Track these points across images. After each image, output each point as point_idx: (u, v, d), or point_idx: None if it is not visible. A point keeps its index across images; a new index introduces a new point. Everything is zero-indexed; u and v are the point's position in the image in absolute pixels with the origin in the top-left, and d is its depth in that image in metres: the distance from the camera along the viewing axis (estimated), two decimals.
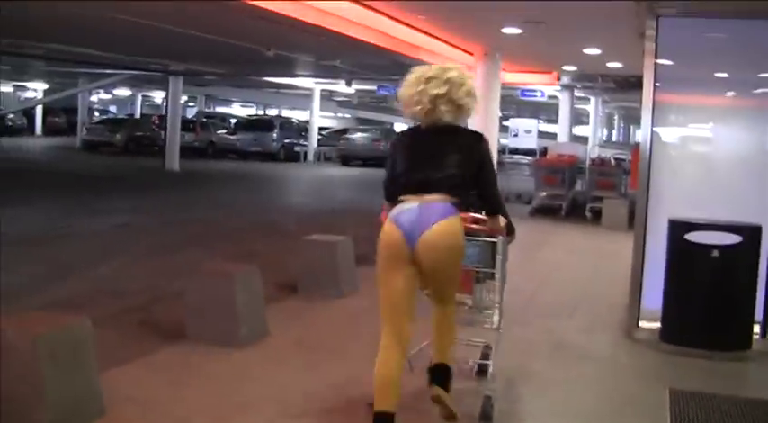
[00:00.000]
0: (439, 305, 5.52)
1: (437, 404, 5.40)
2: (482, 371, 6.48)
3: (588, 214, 19.30)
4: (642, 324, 8.32)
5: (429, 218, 5.01)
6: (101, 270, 10.61)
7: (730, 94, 8.90)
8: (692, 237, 7.66)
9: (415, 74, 5.33)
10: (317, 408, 5.86)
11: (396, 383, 5.06)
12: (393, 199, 5.25)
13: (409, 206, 5.09)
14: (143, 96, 58.17)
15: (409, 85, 5.31)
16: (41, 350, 4.93)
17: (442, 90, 5.18)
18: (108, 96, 60.53)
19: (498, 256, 5.81)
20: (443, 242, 5.03)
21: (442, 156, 5.21)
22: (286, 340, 7.55)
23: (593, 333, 8.48)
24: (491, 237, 5.76)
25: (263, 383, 6.34)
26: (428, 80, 5.22)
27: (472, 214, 5.60)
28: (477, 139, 5.38)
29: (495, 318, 6.04)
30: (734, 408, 6.24)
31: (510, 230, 5.73)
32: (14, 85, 53.39)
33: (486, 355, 6.49)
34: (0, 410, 4.83)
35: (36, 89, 51.22)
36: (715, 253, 7.56)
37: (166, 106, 32.26)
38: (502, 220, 5.57)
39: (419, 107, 5.22)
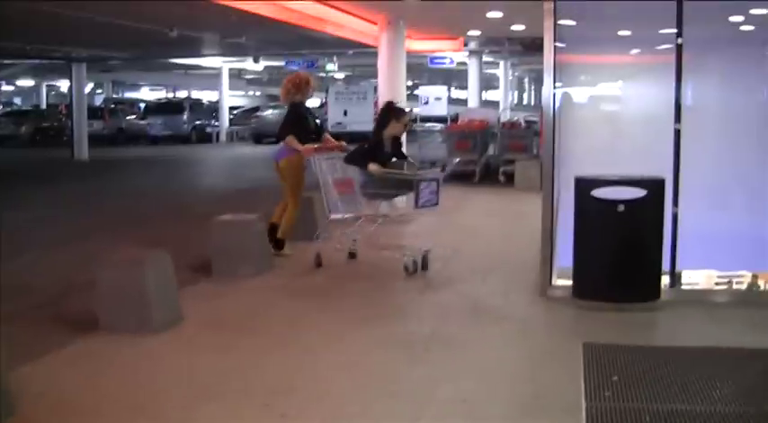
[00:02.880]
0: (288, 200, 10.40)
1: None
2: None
3: (501, 177, 19.44)
4: (556, 282, 8.41)
5: (278, 154, 10.47)
6: (7, 266, 10.37)
7: (633, 51, 8.98)
8: (599, 193, 7.74)
9: None
10: (231, 389, 5.81)
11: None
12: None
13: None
14: (48, 86, 56.88)
15: None
16: None
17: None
18: (11, 88, 59.17)
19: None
20: (281, 166, 10.36)
21: None
22: (200, 324, 7.49)
23: (508, 294, 8.56)
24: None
25: (177, 369, 6.27)
26: None
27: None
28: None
29: None
30: (644, 356, 6.34)
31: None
32: None
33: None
34: None
35: None
36: (621, 207, 7.65)
37: (71, 95, 31.64)
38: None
39: None
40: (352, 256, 10.17)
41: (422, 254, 9.63)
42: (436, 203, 9.64)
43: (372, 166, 9.44)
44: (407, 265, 9.41)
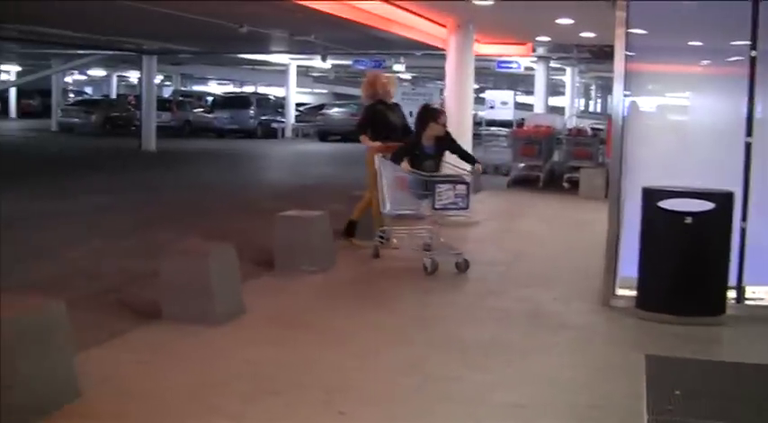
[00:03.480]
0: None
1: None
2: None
3: (566, 184, 19.34)
4: (619, 292, 8.34)
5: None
6: (75, 252, 10.55)
7: (704, 62, 8.89)
8: (666, 204, 7.68)
9: None
10: (290, 384, 5.84)
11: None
12: None
13: None
14: (118, 76, 57.56)
15: None
16: (11, 333, 4.83)
17: None
18: (83, 77, 59.95)
19: None
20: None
21: None
22: (262, 317, 7.54)
23: (569, 302, 8.50)
24: None
25: (238, 361, 6.31)
26: None
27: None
28: None
29: None
30: (708, 371, 6.28)
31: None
32: None
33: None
34: None
35: (9, 71, 50.57)
36: (688, 220, 7.59)
37: (141, 86, 31.98)
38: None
39: None
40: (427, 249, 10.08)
41: (456, 258, 9.65)
42: (464, 208, 9.60)
43: (404, 164, 9.63)
44: (426, 265, 9.47)
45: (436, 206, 9.45)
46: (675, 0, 8.45)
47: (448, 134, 10.17)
